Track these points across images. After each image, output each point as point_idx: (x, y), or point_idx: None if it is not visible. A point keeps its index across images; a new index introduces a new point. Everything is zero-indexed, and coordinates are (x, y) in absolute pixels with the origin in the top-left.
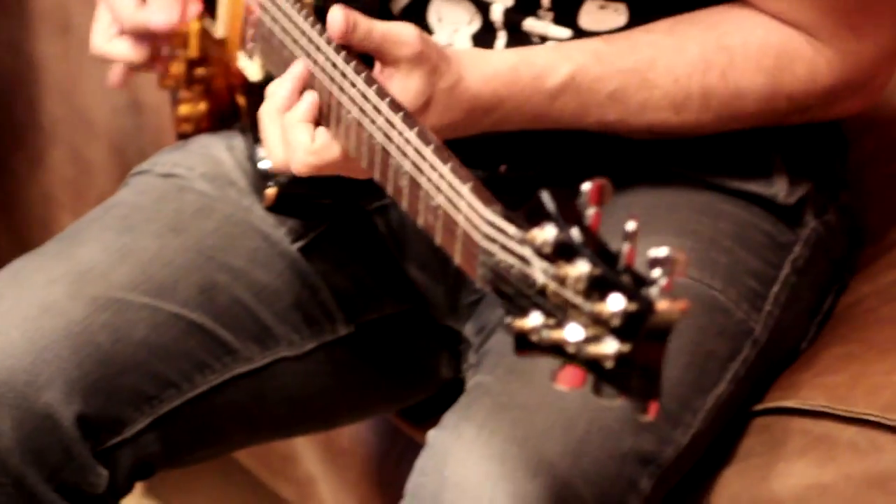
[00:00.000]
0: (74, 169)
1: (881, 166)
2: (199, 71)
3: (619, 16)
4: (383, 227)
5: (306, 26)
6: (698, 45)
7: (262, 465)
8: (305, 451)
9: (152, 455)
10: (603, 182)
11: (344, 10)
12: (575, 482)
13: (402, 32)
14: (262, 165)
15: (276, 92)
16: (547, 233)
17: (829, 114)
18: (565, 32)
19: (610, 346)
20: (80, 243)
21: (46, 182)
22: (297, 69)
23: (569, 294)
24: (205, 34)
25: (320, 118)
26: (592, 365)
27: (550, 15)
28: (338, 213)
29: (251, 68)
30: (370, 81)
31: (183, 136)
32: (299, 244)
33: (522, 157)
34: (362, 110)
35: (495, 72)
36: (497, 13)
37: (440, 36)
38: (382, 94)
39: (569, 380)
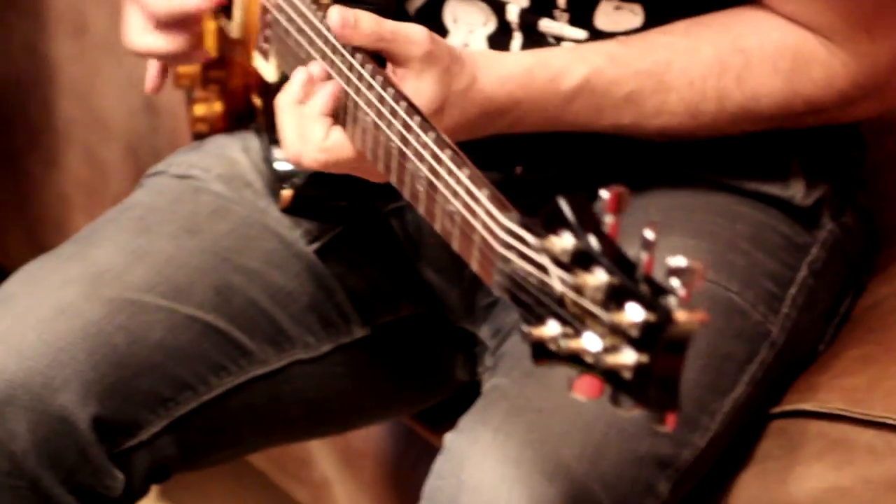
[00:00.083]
0: (89, 170)
1: None
2: (215, 71)
3: (635, 16)
4: (399, 230)
5: (322, 27)
6: (714, 48)
7: (277, 467)
8: (320, 453)
9: (168, 458)
10: (621, 190)
11: (342, 7)
12: (592, 486)
13: (411, 31)
14: (278, 167)
15: (293, 82)
16: (565, 241)
17: (845, 117)
18: (581, 33)
19: (628, 357)
20: (95, 245)
21: (61, 183)
22: (313, 68)
23: (587, 303)
24: (220, 34)
25: (336, 118)
26: (610, 375)
27: (566, 16)
28: (353, 214)
29: (267, 69)
30: (386, 84)
31: (198, 137)
32: (315, 246)
33: (538, 158)
34: (379, 112)
35: (510, 74)
36: (513, 14)
37: (456, 37)
38: (399, 97)
39: (586, 390)
